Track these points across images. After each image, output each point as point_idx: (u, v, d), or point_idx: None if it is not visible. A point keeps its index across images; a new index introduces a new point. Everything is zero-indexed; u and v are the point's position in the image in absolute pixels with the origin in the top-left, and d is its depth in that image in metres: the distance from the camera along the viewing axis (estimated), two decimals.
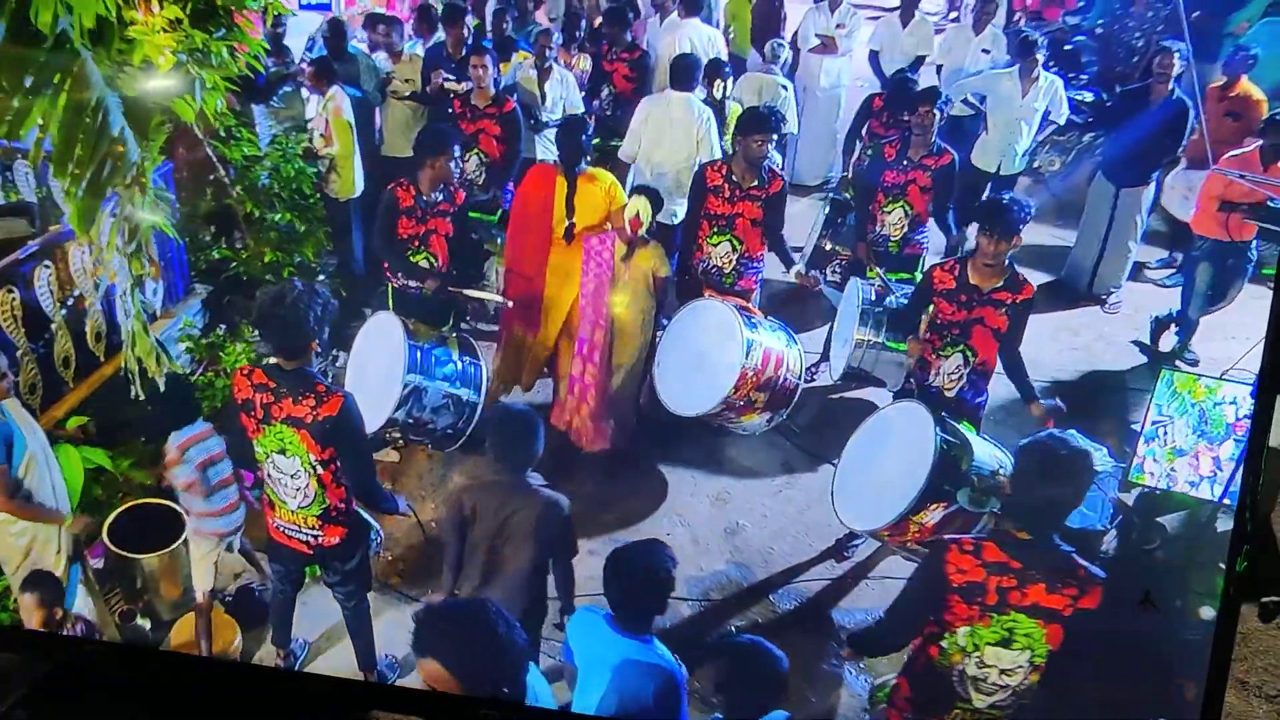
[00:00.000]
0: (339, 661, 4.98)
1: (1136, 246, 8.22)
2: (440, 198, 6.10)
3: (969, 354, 5.58)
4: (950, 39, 9.63)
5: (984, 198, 5.56)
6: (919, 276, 6.92)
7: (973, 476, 5.17)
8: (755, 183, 6.38)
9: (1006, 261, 5.43)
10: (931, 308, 5.71)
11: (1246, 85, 8.06)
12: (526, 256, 6.47)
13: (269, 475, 4.33)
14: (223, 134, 6.41)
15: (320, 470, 4.22)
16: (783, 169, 7.53)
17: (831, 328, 7.24)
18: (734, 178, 6.39)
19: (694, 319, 6.27)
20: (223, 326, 6.35)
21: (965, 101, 8.36)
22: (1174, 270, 8.61)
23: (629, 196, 6.26)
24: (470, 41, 7.71)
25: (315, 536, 4.40)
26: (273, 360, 4.22)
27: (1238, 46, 8.21)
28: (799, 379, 6.20)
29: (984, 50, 9.28)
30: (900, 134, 7.03)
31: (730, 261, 6.56)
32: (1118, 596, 5.55)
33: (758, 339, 6.00)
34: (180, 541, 4.98)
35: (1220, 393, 6.12)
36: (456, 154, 6.02)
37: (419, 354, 5.76)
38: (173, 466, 4.80)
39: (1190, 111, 7.73)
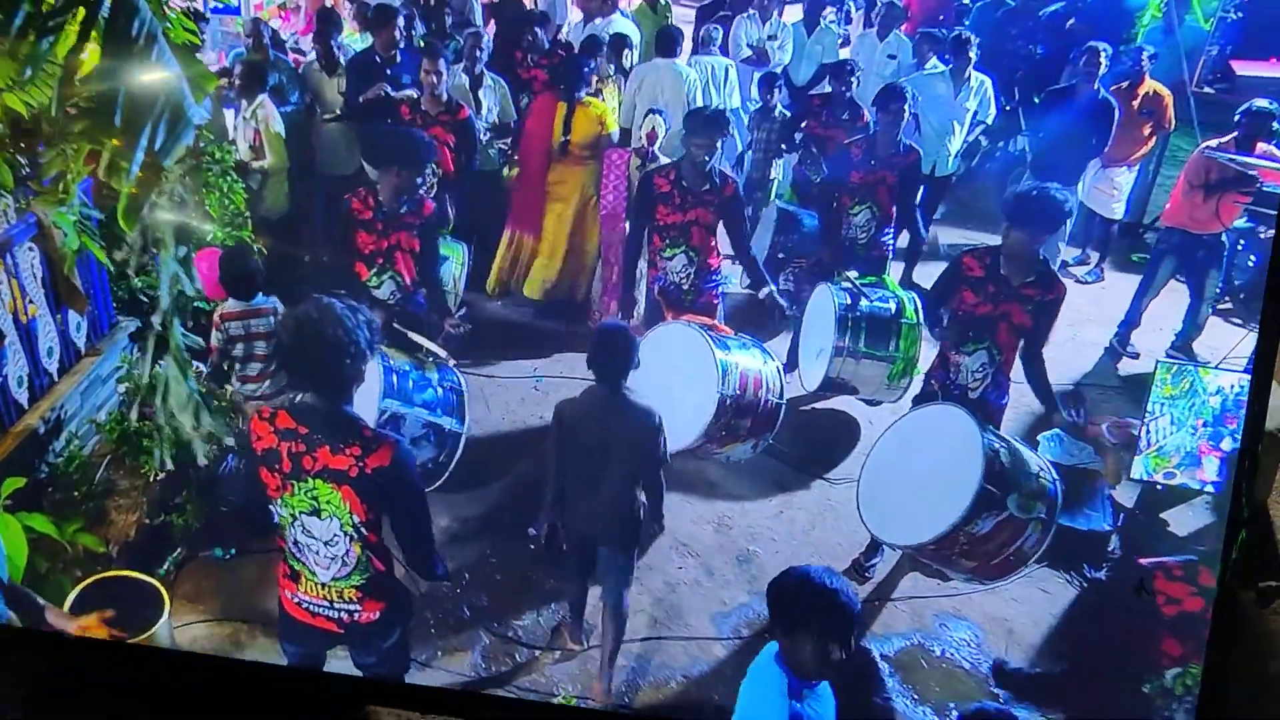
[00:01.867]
0: None
1: (1064, 245, 7.83)
2: (405, 209, 5.12)
3: (993, 352, 4.96)
4: (856, 46, 9.08)
5: (1016, 190, 4.93)
6: (888, 279, 6.30)
7: (1020, 481, 4.55)
8: (706, 186, 5.62)
9: (1039, 255, 4.82)
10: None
11: (1151, 83, 7.80)
12: (531, 171, 7.03)
13: (294, 542, 3.30)
14: None
15: (365, 533, 3.23)
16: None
17: (796, 336, 6.52)
18: (684, 183, 5.61)
19: (660, 346, 5.42)
20: (162, 364, 5.17)
21: None
22: (1092, 266, 8.28)
23: (644, 116, 6.81)
24: (402, 43, 6.70)
25: (352, 613, 3.39)
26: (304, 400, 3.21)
27: (1138, 48, 7.92)
28: (780, 398, 5.45)
29: (890, 56, 8.76)
30: (866, 134, 6.39)
31: (688, 276, 5.77)
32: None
33: (732, 361, 5.27)
34: (160, 623, 3.86)
35: (1210, 383, 5.70)
36: (427, 170, 5.08)
37: (395, 377, 4.82)
38: (213, 330, 4.80)
39: (1116, 110, 7.39)
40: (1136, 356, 7.21)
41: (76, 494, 4.74)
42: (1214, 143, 6.48)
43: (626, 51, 7.92)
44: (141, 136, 2.22)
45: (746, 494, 5.73)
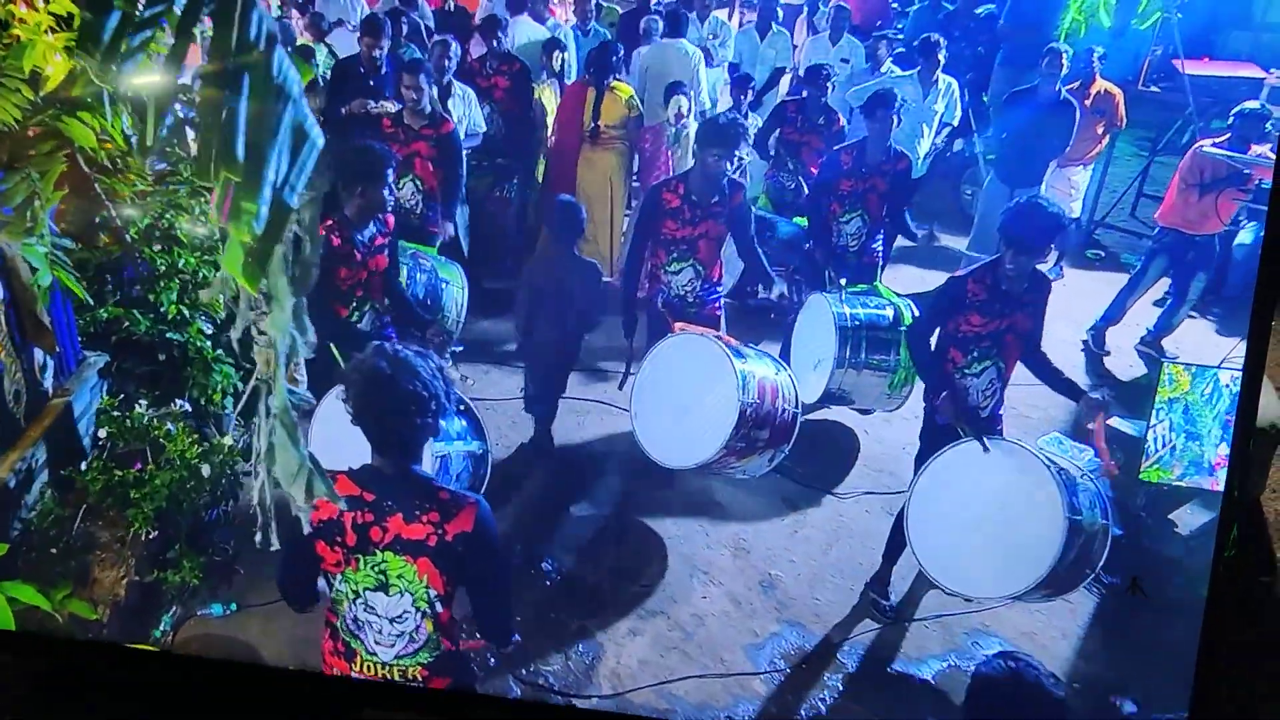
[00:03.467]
0: None
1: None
2: (374, 230, 4.61)
3: (1000, 367, 4.61)
4: (808, 51, 8.75)
5: (1010, 204, 4.61)
6: (879, 286, 5.97)
7: (1080, 494, 4.24)
8: (716, 198, 5.20)
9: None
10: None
11: (1102, 82, 7.65)
12: (564, 154, 7.37)
13: (352, 619, 2.80)
14: (108, 164, 4.61)
15: (440, 608, 2.75)
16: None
17: (786, 345, 6.15)
18: (693, 197, 5.18)
19: (672, 357, 5.03)
20: (142, 403, 4.57)
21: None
22: (1052, 264, 8.08)
23: (669, 96, 7.24)
24: (385, 56, 6.15)
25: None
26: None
27: (1088, 49, 7.73)
28: (796, 407, 5.06)
29: (843, 60, 8.48)
30: (858, 141, 6.05)
31: (693, 290, 5.38)
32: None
33: (750, 370, 4.86)
34: None
35: (1207, 383, 5.49)
36: (390, 178, 4.53)
37: None
38: None
39: (1077, 111, 7.19)
40: (1108, 354, 7.04)
41: (54, 551, 4.16)
42: (1208, 142, 6.28)
43: (558, 53, 7.77)
44: (266, 169, 1.67)
45: (758, 514, 5.36)
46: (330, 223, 4.51)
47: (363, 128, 5.74)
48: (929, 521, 4.43)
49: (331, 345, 4.42)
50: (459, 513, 2.65)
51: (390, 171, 4.52)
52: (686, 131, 7.15)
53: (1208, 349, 7.09)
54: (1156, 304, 7.26)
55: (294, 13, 7.72)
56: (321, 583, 2.83)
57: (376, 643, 2.81)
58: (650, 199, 5.34)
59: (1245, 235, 7.27)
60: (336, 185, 4.56)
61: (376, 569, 2.68)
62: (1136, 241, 8.57)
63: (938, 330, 4.70)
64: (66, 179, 4.26)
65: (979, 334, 4.57)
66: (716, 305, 5.52)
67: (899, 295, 5.89)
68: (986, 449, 4.31)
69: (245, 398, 1.96)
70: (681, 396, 4.93)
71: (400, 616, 2.75)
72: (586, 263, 5.36)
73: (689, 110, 7.18)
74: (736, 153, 5.15)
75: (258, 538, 2.24)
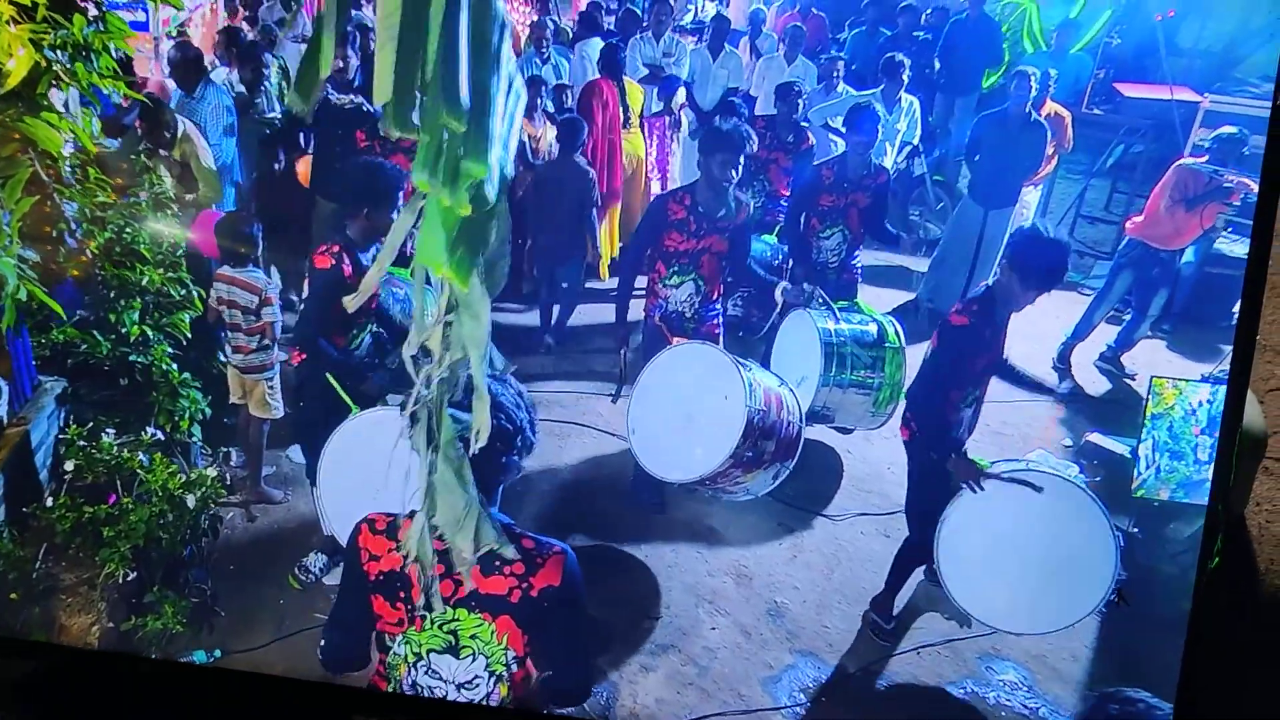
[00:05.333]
0: None
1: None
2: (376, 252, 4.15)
3: (978, 394, 4.39)
4: (762, 71, 8.48)
5: (1017, 235, 4.35)
6: (860, 303, 5.70)
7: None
8: (722, 212, 4.89)
9: None
10: None
11: (1053, 105, 7.56)
12: (606, 148, 7.19)
13: (410, 684, 2.38)
14: (67, 173, 4.09)
15: (515, 669, 2.35)
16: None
17: (765, 363, 5.84)
18: (700, 209, 4.87)
19: (672, 368, 4.71)
20: (110, 430, 4.04)
21: (827, 127, 7.25)
22: None
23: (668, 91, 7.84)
24: (357, 60, 5.69)
25: None
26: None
27: (1044, 72, 7.63)
28: (801, 422, 4.77)
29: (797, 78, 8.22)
30: (838, 155, 5.80)
31: (691, 305, 5.05)
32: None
33: (755, 379, 4.57)
34: None
35: (1189, 398, 5.35)
36: (399, 201, 4.07)
37: None
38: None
39: (1048, 132, 7.07)
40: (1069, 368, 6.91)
41: (13, 596, 3.64)
42: (1190, 160, 6.18)
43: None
44: (491, 118, 1.24)
45: (754, 538, 5.05)
46: (337, 249, 4.04)
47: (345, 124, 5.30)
48: (964, 553, 4.19)
49: (330, 377, 3.99)
50: (546, 563, 2.26)
51: (400, 194, 4.06)
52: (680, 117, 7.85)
53: (1160, 364, 7.01)
54: (1110, 321, 7.15)
55: (244, 25, 7.19)
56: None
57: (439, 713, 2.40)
58: (656, 208, 5.03)
59: (1189, 254, 7.22)
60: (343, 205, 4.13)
61: (446, 629, 2.27)
62: (1079, 260, 8.50)
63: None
64: (29, 186, 3.75)
65: (973, 365, 4.33)
66: (715, 324, 5.20)
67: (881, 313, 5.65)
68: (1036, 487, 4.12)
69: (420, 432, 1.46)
70: (684, 407, 4.62)
71: (470, 682, 2.34)
72: (582, 168, 6.17)
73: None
74: (740, 159, 4.84)
75: (420, 601, 1.83)
